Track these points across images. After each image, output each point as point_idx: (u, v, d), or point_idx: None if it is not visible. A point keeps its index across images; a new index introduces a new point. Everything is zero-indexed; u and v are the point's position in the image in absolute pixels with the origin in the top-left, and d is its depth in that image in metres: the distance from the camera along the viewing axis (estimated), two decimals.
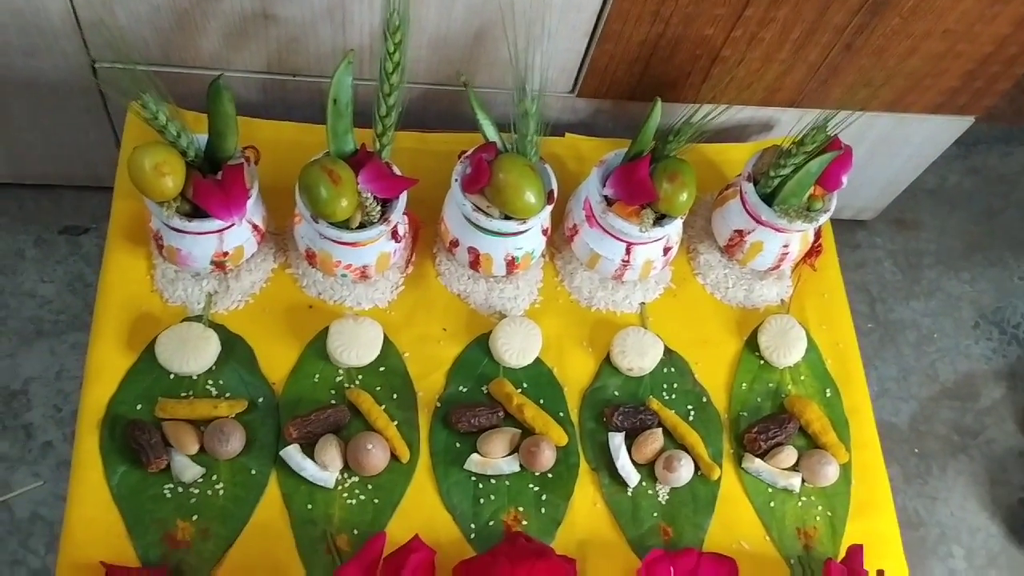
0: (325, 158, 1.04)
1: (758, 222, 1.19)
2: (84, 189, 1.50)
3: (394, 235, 1.13)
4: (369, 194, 1.05)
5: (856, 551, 1.08)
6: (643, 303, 1.25)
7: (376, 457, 1.07)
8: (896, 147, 1.53)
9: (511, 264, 1.16)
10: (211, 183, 1.04)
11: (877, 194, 1.66)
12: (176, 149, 1.02)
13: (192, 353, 1.09)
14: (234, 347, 1.13)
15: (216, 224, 1.05)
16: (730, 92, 1.34)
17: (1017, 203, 1.85)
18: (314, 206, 1.04)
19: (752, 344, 1.25)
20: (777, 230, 1.19)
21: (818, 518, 1.16)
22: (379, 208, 1.07)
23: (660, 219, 1.14)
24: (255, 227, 1.11)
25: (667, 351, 1.22)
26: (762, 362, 1.24)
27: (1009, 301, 1.74)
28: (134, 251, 1.16)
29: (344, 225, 1.06)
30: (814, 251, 1.25)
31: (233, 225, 1.07)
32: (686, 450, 1.15)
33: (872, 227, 1.71)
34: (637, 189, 1.11)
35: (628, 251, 1.16)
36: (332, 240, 1.08)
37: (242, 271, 1.16)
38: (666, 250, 1.19)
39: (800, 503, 1.17)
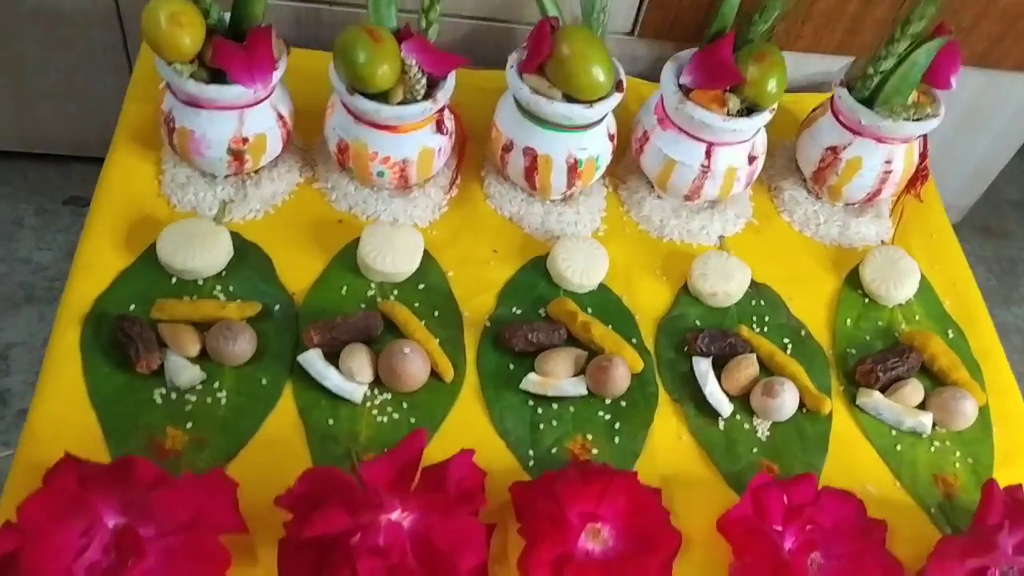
0: (361, 24, 0.91)
1: (856, 132, 1.04)
2: (94, 162, 1.38)
3: (439, 127, 0.98)
4: (414, 62, 0.92)
5: (992, 487, 0.85)
6: (722, 236, 1.08)
7: (414, 365, 0.87)
8: (985, 118, 1.39)
9: (573, 172, 1.00)
10: (234, 45, 0.91)
11: (965, 185, 1.51)
12: (197, 6, 0.90)
13: (199, 249, 0.92)
14: (248, 254, 0.96)
15: (237, 94, 0.91)
16: (806, 34, 1.22)
17: None
18: (350, 71, 0.90)
19: (853, 282, 1.07)
20: (879, 140, 1.03)
21: (957, 464, 0.94)
22: (424, 83, 0.93)
23: (746, 112, 0.99)
24: (280, 117, 0.97)
25: (754, 284, 1.03)
26: (867, 300, 1.05)
27: None
28: (142, 154, 1.02)
29: (384, 100, 0.92)
30: (919, 176, 1.09)
31: (256, 102, 0.94)
32: None
33: (959, 232, 1.54)
34: (719, 71, 0.97)
35: (708, 154, 1.00)
36: (368, 123, 0.94)
37: (262, 178, 1.01)
38: (751, 159, 1.03)
39: (933, 448, 0.94)
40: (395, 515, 0.75)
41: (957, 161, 1.46)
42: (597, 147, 1.00)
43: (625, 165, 1.12)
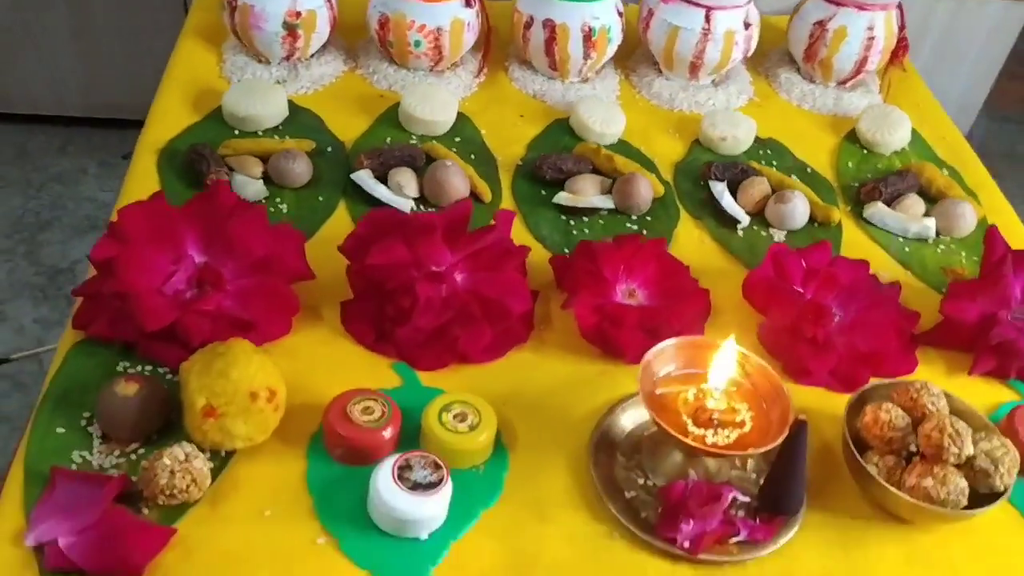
0: None
1: (839, 4, 1.16)
2: None
3: (468, 1, 1.11)
4: None
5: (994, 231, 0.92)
6: (728, 107, 1.18)
7: (456, 177, 0.96)
8: (962, 45, 1.52)
9: (588, 41, 1.12)
10: None
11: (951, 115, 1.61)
12: None
13: (259, 100, 1.03)
14: (301, 113, 1.07)
15: None
16: None
17: None
18: None
19: (851, 137, 1.16)
20: (860, 7, 1.15)
21: (964, 262, 1.00)
22: None
23: None
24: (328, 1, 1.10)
25: (759, 139, 1.13)
26: (865, 151, 1.15)
27: None
28: (206, 46, 1.15)
29: None
30: (900, 47, 1.20)
31: None
32: None
33: None
34: None
35: (708, 18, 1.12)
36: None
37: (312, 63, 1.13)
38: (747, 25, 1.15)
39: (939, 250, 1.02)
40: (447, 265, 0.82)
41: (940, 94, 1.57)
42: (608, 17, 1.12)
43: (634, 59, 1.24)
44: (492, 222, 0.86)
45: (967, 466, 0.72)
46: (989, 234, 0.90)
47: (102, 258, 0.75)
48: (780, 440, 0.70)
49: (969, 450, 0.72)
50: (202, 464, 0.68)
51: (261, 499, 0.70)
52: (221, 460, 0.72)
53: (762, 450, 0.70)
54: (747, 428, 0.73)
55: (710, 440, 0.71)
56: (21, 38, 1.39)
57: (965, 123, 1.62)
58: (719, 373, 0.73)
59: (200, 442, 0.70)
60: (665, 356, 0.75)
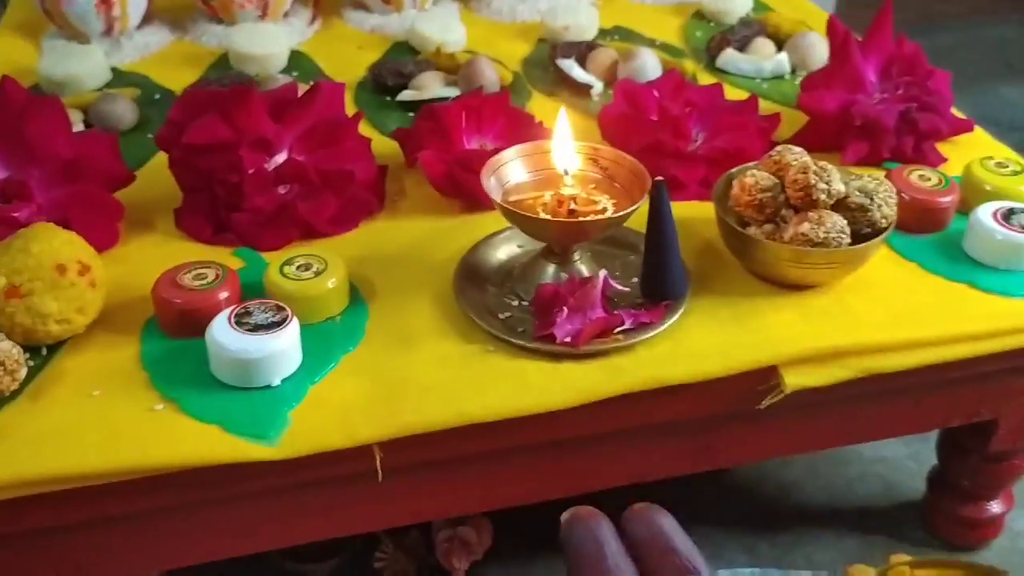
0: None
1: None
2: None
3: None
4: None
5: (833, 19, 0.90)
6: None
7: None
8: None
9: None
10: None
11: None
12: None
13: (76, 61, 0.98)
14: (126, 76, 1.02)
15: None
16: None
17: (961, 62, 1.82)
18: None
19: (698, 16, 1.16)
20: None
21: None
22: None
23: None
24: None
25: (604, 30, 1.11)
26: (711, 24, 1.14)
27: (994, 108, 1.66)
28: (25, 39, 1.10)
29: None
30: None
31: None
32: None
33: None
34: None
35: None
36: None
37: (135, 34, 1.09)
38: None
39: (797, 82, 0.99)
40: (278, 142, 0.76)
41: None
42: None
43: None
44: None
45: (843, 207, 0.68)
46: (830, 22, 0.88)
47: None
48: (641, 203, 0.65)
49: (839, 186, 0.67)
50: (12, 348, 0.60)
51: (88, 383, 0.62)
52: (43, 358, 0.64)
53: (623, 213, 0.65)
54: (609, 212, 0.67)
55: (578, 221, 0.65)
56: None
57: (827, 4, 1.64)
58: (564, 156, 0.68)
59: (8, 329, 0.62)
60: (512, 164, 0.70)
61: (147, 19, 1.10)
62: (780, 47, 1.05)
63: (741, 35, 1.03)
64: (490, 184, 0.67)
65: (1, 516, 0.57)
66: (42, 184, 0.73)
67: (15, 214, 0.70)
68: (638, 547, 0.37)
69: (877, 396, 0.70)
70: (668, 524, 0.37)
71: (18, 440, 0.58)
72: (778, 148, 0.72)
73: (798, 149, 0.72)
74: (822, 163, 0.68)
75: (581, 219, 0.65)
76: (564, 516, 0.38)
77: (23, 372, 0.61)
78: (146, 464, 0.57)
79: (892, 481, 0.93)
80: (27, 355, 0.63)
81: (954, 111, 0.90)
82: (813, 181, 0.67)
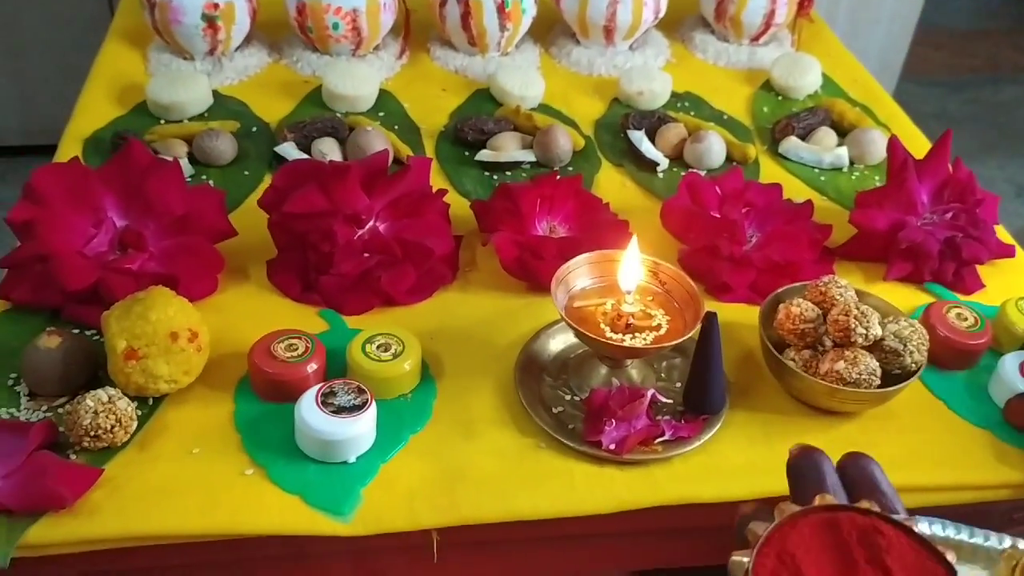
0: None
1: None
2: None
3: None
4: None
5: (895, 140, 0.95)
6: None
7: (377, 140, 0.99)
8: (873, 8, 1.56)
9: (502, 12, 1.15)
10: None
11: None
12: None
13: (183, 87, 1.05)
14: (227, 101, 1.10)
15: None
16: None
17: (1022, 119, 1.84)
18: None
19: (766, 87, 1.20)
20: None
21: (878, 183, 1.03)
22: None
23: None
24: None
25: (676, 93, 1.16)
26: (780, 97, 1.18)
27: None
28: (131, 47, 1.17)
29: None
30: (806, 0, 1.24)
31: None
32: None
33: None
34: None
35: None
36: None
37: (236, 55, 1.15)
38: None
39: (854, 176, 1.05)
40: (366, 211, 0.84)
41: (862, 54, 1.62)
42: None
43: (553, 33, 1.27)
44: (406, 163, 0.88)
45: (877, 348, 0.74)
46: (891, 144, 0.93)
47: (19, 220, 0.76)
48: (692, 332, 0.72)
49: (876, 331, 0.73)
50: (126, 405, 0.69)
51: (189, 440, 0.71)
52: (149, 408, 0.73)
53: (675, 342, 0.72)
54: (663, 331, 0.74)
55: (628, 344, 0.73)
56: None
57: (888, 84, 1.67)
58: (628, 276, 0.74)
59: (124, 386, 0.71)
60: (579, 271, 0.77)
61: (247, 40, 1.17)
62: (843, 135, 1.09)
63: (806, 122, 1.08)
64: (557, 297, 0.73)
65: (107, 558, 0.66)
66: (156, 235, 0.81)
67: (129, 265, 0.78)
68: (849, 484, 0.47)
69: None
70: (877, 471, 0.48)
71: (127, 494, 0.66)
72: (825, 279, 0.78)
73: (844, 283, 0.78)
74: (864, 307, 0.74)
75: (633, 346, 0.72)
76: (792, 450, 0.49)
77: (134, 425, 0.70)
78: (236, 530, 0.65)
79: None
80: (135, 404, 0.72)
81: (999, 231, 0.95)
82: (853, 325, 0.73)
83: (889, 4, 1.57)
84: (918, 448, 0.75)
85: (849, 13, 1.57)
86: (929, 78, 1.91)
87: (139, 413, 0.72)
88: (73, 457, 0.68)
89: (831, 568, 0.44)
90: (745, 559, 0.45)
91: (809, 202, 0.93)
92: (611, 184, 1.02)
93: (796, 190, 1.01)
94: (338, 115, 1.06)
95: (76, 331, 0.78)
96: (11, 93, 1.45)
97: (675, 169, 1.04)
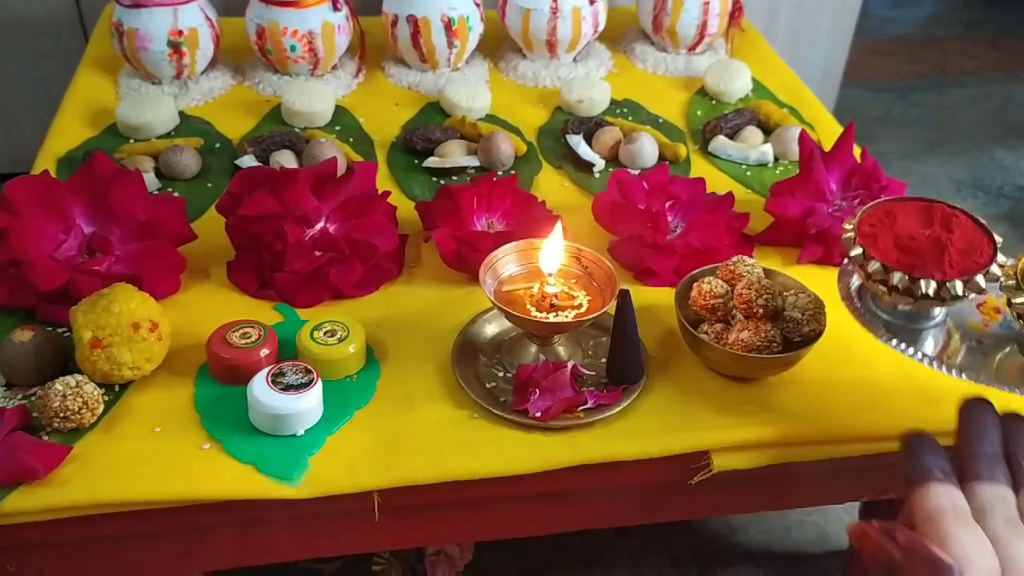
0: None
1: None
2: None
3: (335, 4, 1.22)
4: None
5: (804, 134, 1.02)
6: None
7: (330, 150, 1.06)
8: (810, 18, 1.65)
9: (449, 30, 1.23)
10: None
11: (816, 86, 1.74)
12: None
13: (151, 108, 1.13)
14: (192, 121, 1.17)
15: None
16: None
17: (965, 121, 1.92)
18: None
19: (700, 92, 1.28)
20: None
21: None
22: None
23: None
24: (208, 19, 1.21)
25: (615, 100, 1.24)
26: (713, 101, 1.26)
27: (986, 173, 1.75)
28: (103, 75, 1.25)
29: None
30: (736, 9, 1.32)
31: (188, 1, 1.18)
32: None
33: None
34: None
35: None
36: (276, 2, 1.18)
37: (201, 78, 1.23)
38: (591, 1, 1.27)
39: (778, 171, 1.12)
40: (315, 213, 0.91)
41: (803, 62, 1.71)
42: (465, 7, 1.24)
43: (501, 49, 1.36)
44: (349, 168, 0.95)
45: (780, 319, 0.81)
46: (800, 137, 1.01)
47: None
48: (607, 307, 0.79)
49: (777, 301, 0.81)
50: (93, 389, 0.76)
51: (152, 420, 0.78)
52: (115, 394, 0.80)
53: (592, 317, 0.79)
54: (584, 309, 0.81)
55: (551, 320, 0.80)
56: None
57: (831, 90, 1.75)
58: (549, 259, 0.82)
59: (91, 373, 0.78)
60: (506, 259, 0.84)
61: (212, 64, 1.25)
62: (768, 131, 1.17)
63: (733, 123, 1.16)
64: (486, 282, 0.81)
65: (77, 525, 0.73)
66: (121, 240, 0.88)
67: (97, 267, 0.86)
68: (1009, 439, 0.52)
69: (795, 475, 0.84)
70: None
71: (95, 468, 0.73)
72: (735, 259, 0.86)
73: (751, 261, 0.86)
74: (766, 281, 0.81)
75: (557, 320, 0.79)
76: (964, 398, 0.54)
77: (100, 408, 0.77)
78: (195, 495, 0.72)
79: (826, 531, 1.07)
80: (102, 390, 0.78)
81: None
82: (754, 297, 0.80)
83: (827, 16, 1.66)
84: (820, 406, 0.81)
85: (788, 25, 1.65)
86: (877, 84, 2.00)
87: (106, 399, 0.78)
88: (45, 438, 0.75)
89: None
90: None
91: (730, 194, 1.01)
92: (551, 185, 1.09)
93: (724, 185, 1.09)
94: (296, 130, 1.14)
95: (48, 328, 0.85)
96: None
97: (610, 169, 1.11)
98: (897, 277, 0.73)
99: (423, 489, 0.75)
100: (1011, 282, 0.73)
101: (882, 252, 0.75)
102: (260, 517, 0.76)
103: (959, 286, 0.72)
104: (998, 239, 0.76)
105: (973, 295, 0.74)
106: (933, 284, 0.72)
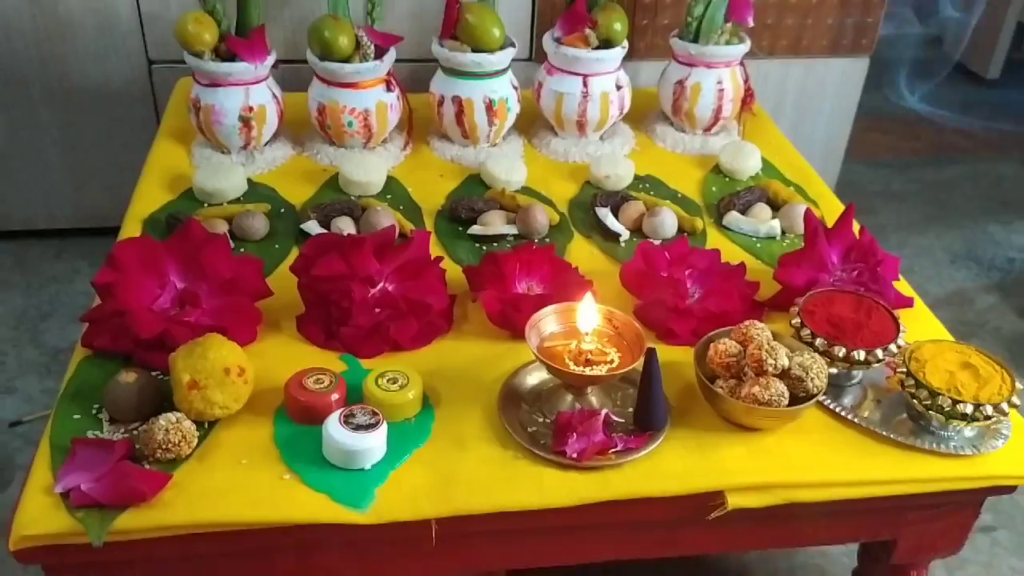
0: (327, 15, 1.32)
1: (691, 64, 1.43)
2: None
3: (389, 86, 1.36)
4: (363, 35, 1.32)
5: (808, 212, 1.15)
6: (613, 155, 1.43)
7: (385, 217, 1.19)
8: (815, 101, 1.79)
9: (490, 111, 1.37)
10: (239, 38, 1.31)
11: (820, 162, 1.88)
12: (212, 17, 1.30)
13: (224, 177, 1.26)
14: (259, 187, 1.31)
15: (243, 69, 1.29)
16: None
17: (960, 196, 2.05)
18: (320, 43, 1.30)
19: (715, 170, 1.41)
20: (708, 66, 1.42)
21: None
22: (373, 50, 1.32)
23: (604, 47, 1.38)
24: (275, 97, 1.35)
25: (639, 176, 1.37)
26: (726, 179, 1.39)
27: (979, 245, 1.87)
28: (177, 144, 1.39)
29: (346, 61, 1.31)
30: (748, 95, 1.46)
31: (257, 81, 1.32)
32: None
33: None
34: (575, 17, 1.37)
35: (585, 83, 1.38)
36: (337, 84, 1.32)
37: (266, 149, 1.37)
38: (618, 87, 1.41)
39: (785, 244, 1.25)
40: (377, 275, 1.03)
41: (807, 138, 1.84)
42: (505, 90, 1.38)
43: (535, 126, 1.49)
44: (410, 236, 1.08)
45: (786, 376, 0.93)
46: (805, 215, 1.13)
47: (102, 283, 0.96)
48: (636, 364, 0.90)
49: (784, 361, 0.92)
50: (190, 425, 0.88)
51: (239, 453, 0.89)
52: (205, 430, 0.91)
53: (623, 371, 0.90)
54: (615, 364, 0.93)
55: (587, 373, 0.91)
56: (18, 160, 1.64)
57: (834, 165, 1.88)
58: (586, 320, 0.94)
59: (187, 411, 0.90)
60: (548, 319, 0.97)
61: (275, 136, 1.39)
62: (777, 209, 1.30)
63: (745, 199, 1.28)
64: (531, 338, 0.93)
65: (172, 544, 0.84)
66: (208, 295, 1.01)
67: (188, 319, 0.98)
68: None
69: (799, 515, 0.94)
70: None
71: (192, 493, 0.85)
72: (747, 323, 0.98)
73: (760, 325, 0.97)
74: (774, 343, 0.93)
75: (592, 373, 0.91)
76: None
77: (195, 441, 0.88)
78: (277, 520, 0.83)
79: (828, 572, 1.17)
80: (195, 426, 0.90)
81: (899, 285, 1.14)
82: (764, 357, 0.92)
83: (829, 98, 1.80)
84: (820, 455, 0.93)
85: (794, 106, 1.79)
86: (876, 160, 2.14)
87: (198, 434, 0.90)
88: (147, 466, 0.87)
89: None
90: None
91: (742, 264, 1.13)
92: (581, 252, 1.22)
93: (736, 255, 1.21)
94: (352, 198, 1.27)
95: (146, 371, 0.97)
96: (68, 184, 1.67)
97: (635, 239, 1.24)
98: (819, 342, 0.97)
99: (474, 519, 0.86)
100: (901, 359, 0.96)
101: (817, 325, 0.99)
102: (331, 542, 0.87)
103: (862, 354, 0.96)
104: (903, 328, 0.99)
105: (876, 363, 0.97)
106: (843, 350, 0.96)
